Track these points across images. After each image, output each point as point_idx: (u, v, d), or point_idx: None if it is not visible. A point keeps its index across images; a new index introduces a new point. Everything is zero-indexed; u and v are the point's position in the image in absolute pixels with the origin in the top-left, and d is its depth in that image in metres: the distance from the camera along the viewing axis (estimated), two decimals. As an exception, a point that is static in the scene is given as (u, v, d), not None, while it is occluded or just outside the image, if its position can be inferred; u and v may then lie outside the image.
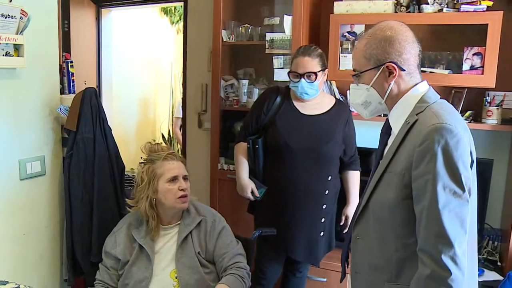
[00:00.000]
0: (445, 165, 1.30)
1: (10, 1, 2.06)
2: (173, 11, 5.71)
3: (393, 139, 1.50)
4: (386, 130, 1.58)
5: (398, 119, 1.49)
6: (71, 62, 2.72)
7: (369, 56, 1.48)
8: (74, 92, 2.68)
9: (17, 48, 2.12)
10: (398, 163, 1.41)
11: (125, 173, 2.63)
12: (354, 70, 1.57)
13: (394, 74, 1.46)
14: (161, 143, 2.26)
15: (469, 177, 1.34)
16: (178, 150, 4.82)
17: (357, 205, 1.67)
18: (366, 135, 2.77)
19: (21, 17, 2.08)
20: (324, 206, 2.51)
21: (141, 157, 2.21)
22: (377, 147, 1.65)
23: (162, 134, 5.63)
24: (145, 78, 5.57)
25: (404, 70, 1.47)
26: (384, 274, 1.47)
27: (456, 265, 1.29)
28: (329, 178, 2.51)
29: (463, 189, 1.31)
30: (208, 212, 2.18)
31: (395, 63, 1.45)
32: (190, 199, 2.17)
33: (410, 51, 1.47)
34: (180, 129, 4.92)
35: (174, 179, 2.08)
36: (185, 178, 2.12)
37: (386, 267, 1.46)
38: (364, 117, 1.62)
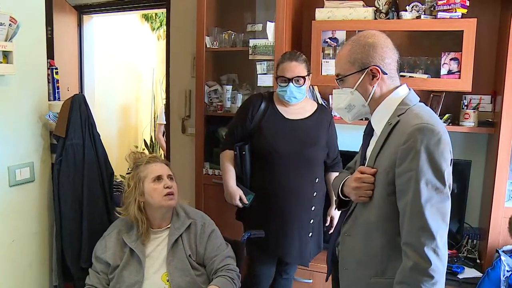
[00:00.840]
0: (427, 162, 1.38)
1: (-1, 8, 2.07)
2: (154, 18, 5.73)
3: (376, 139, 1.57)
4: (369, 132, 1.65)
5: (380, 121, 1.57)
6: (56, 68, 2.73)
7: (353, 60, 1.55)
8: (59, 98, 2.69)
9: (6, 55, 2.12)
10: (382, 161, 1.50)
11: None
12: (337, 76, 1.63)
13: (378, 77, 1.54)
14: (144, 150, 2.29)
15: (450, 173, 1.43)
16: (162, 156, 4.82)
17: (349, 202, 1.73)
18: (349, 139, 2.83)
19: (10, 24, 2.08)
20: (313, 208, 2.56)
21: (128, 168, 2.25)
22: (358, 150, 1.75)
23: (145, 140, 5.62)
24: (127, 84, 5.56)
25: (386, 74, 1.55)
26: (370, 269, 1.54)
27: (437, 256, 1.37)
28: (316, 181, 2.57)
29: (444, 185, 1.40)
30: (197, 215, 2.21)
31: (378, 66, 1.53)
32: (180, 202, 2.20)
33: (391, 56, 1.56)
34: (163, 135, 4.93)
35: (158, 178, 2.12)
36: (170, 177, 2.15)
37: (372, 263, 1.54)
38: (347, 121, 1.68)
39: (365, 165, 1.60)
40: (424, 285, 1.36)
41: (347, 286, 1.69)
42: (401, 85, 1.59)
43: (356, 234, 1.60)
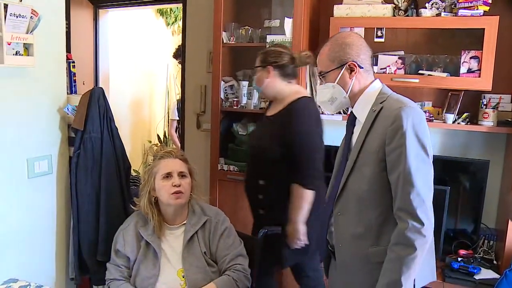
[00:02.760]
0: (414, 138, 1.59)
1: (21, 0, 2.07)
2: (169, 13, 5.73)
3: (361, 127, 1.75)
4: (351, 122, 1.83)
5: (363, 110, 1.76)
6: (73, 62, 2.73)
7: (333, 58, 1.76)
8: (76, 92, 2.70)
9: (27, 47, 2.13)
10: (370, 143, 1.68)
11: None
12: (320, 73, 1.83)
13: (355, 71, 1.75)
14: (158, 144, 2.28)
15: (431, 146, 1.64)
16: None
17: (333, 187, 1.86)
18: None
19: (31, 16, 2.09)
20: (261, 212, 2.51)
21: (146, 159, 2.25)
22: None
23: (158, 135, 5.64)
24: (141, 79, 5.57)
25: (362, 68, 1.76)
26: (367, 240, 1.71)
27: (427, 218, 1.59)
28: (260, 182, 2.45)
29: (428, 156, 1.63)
30: (213, 212, 2.20)
31: (355, 61, 1.75)
32: (197, 199, 2.20)
33: (365, 53, 1.78)
34: (176, 131, 4.93)
35: (168, 175, 2.11)
36: (181, 174, 2.14)
37: (368, 234, 1.71)
38: (330, 112, 1.91)
39: (352, 150, 1.76)
40: (417, 243, 1.56)
41: (343, 261, 1.81)
42: (375, 79, 1.80)
43: (348, 212, 1.75)
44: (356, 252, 1.74)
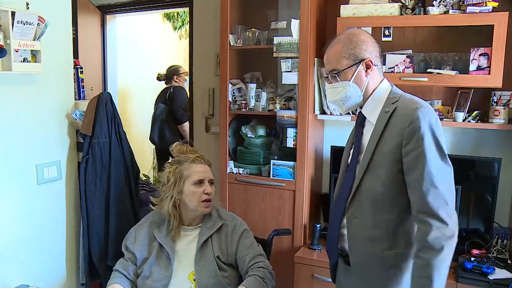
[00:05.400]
0: (432, 139, 1.58)
1: (28, 8, 2.08)
2: (176, 17, 5.75)
3: (372, 127, 1.72)
4: (361, 123, 1.79)
5: (373, 110, 1.74)
6: (81, 68, 2.75)
7: (348, 55, 1.71)
8: (84, 98, 2.71)
9: (34, 54, 2.15)
10: (386, 144, 1.65)
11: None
12: (332, 71, 1.76)
13: (371, 68, 1.72)
14: (183, 145, 2.23)
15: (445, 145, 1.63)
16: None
17: (341, 188, 1.83)
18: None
19: (38, 23, 2.11)
20: None
21: (170, 157, 2.22)
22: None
23: (167, 140, 5.64)
24: (149, 84, 5.58)
25: (376, 65, 1.74)
26: (383, 243, 1.69)
27: (451, 219, 1.56)
28: None
29: (446, 156, 1.60)
30: (229, 217, 2.20)
31: (371, 59, 1.72)
32: (214, 203, 2.19)
33: (377, 50, 1.76)
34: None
35: (200, 182, 2.10)
36: (210, 182, 2.15)
37: (384, 237, 1.69)
38: (341, 112, 1.87)
39: (363, 151, 1.73)
40: (444, 243, 1.53)
41: (358, 265, 1.76)
42: (383, 79, 1.78)
43: (363, 215, 1.71)
44: (372, 255, 1.71)
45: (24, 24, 2.04)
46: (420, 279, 1.57)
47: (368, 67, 1.71)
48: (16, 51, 2.05)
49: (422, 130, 1.57)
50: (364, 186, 1.70)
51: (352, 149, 1.81)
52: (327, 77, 1.79)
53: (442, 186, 1.56)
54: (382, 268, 1.70)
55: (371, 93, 1.74)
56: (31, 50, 2.12)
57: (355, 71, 1.71)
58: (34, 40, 2.11)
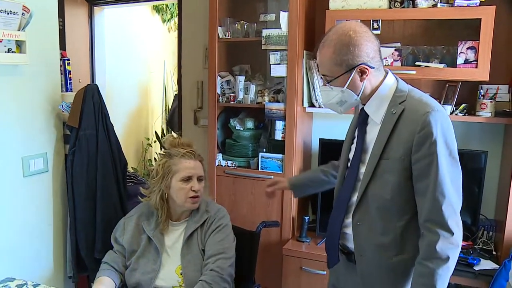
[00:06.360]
0: (445, 146, 1.51)
1: (12, -3, 2.06)
2: (165, 9, 5.71)
3: (377, 127, 1.63)
4: (363, 121, 1.69)
5: (378, 110, 1.63)
6: (68, 59, 2.72)
7: (340, 62, 1.57)
8: (71, 90, 2.68)
9: (19, 44, 2.12)
10: (394, 150, 1.56)
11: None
12: (324, 76, 1.65)
13: (366, 74, 1.58)
14: (175, 137, 2.18)
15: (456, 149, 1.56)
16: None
17: (341, 189, 1.76)
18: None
19: (23, 13, 2.08)
20: None
21: (161, 148, 2.20)
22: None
23: (156, 132, 5.62)
24: (137, 76, 5.56)
25: (373, 68, 1.59)
26: (391, 250, 1.63)
27: (458, 228, 1.52)
28: None
29: (457, 161, 1.55)
30: (215, 209, 2.17)
31: (366, 63, 1.57)
32: (205, 198, 2.18)
33: (374, 48, 1.59)
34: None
35: (188, 178, 2.07)
36: (199, 179, 2.11)
37: (391, 243, 1.63)
38: (338, 113, 1.73)
39: (368, 151, 1.65)
40: (449, 253, 1.50)
41: (364, 271, 1.71)
42: (387, 73, 1.65)
43: (370, 222, 1.65)
44: (380, 262, 1.66)
45: (8, 13, 2.01)
46: (422, 287, 1.55)
47: (363, 72, 1.58)
48: (0, 41, 2.02)
49: (434, 136, 1.49)
50: (371, 192, 1.63)
51: (355, 146, 1.73)
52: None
53: (452, 195, 1.51)
54: (390, 275, 1.66)
55: (375, 91, 1.63)
56: (16, 41, 2.09)
57: (348, 78, 1.58)
58: (18, 30, 2.08)
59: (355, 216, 1.68)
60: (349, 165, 1.75)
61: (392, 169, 1.57)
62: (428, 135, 1.49)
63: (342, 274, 1.86)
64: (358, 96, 1.62)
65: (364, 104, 1.66)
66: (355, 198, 1.69)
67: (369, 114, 1.66)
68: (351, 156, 1.74)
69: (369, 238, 1.66)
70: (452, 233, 1.50)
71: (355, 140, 1.74)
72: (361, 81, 1.59)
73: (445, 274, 1.52)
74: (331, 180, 2.07)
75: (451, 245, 1.51)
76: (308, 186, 2.16)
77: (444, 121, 1.52)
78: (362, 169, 1.66)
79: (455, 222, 1.51)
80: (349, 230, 1.73)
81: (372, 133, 1.65)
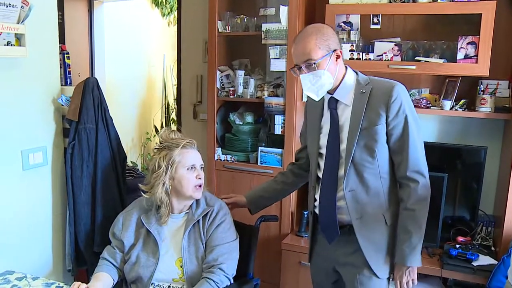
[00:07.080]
0: (410, 110, 1.85)
1: (11, -10, 2.05)
2: (164, 3, 5.69)
3: (348, 108, 1.91)
4: (334, 106, 1.95)
5: (346, 95, 1.92)
6: (67, 53, 2.71)
7: (323, 46, 1.84)
8: (71, 83, 2.67)
9: (18, 37, 2.10)
10: (370, 120, 1.85)
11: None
12: (308, 61, 1.84)
13: (340, 57, 1.89)
14: (171, 130, 2.19)
15: None
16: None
17: (329, 166, 1.96)
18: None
19: (22, 6, 2.07)
20: None
21: (156, 143, 2.20)
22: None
23: (155, 126, 5.62)
24: (137, 70, 5.55)
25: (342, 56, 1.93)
26: (381, 206, 1.92)
27: (427, 173, 1.88)
28: None
29: (418, 121, 1.89)
30: (216, 203, 2.17)
31: (340, 49, 1.90)
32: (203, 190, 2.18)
33: (340, 43, 1.94)
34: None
35: (192, 167, 2.08)
36: (201, 167, 2.13)
37: (381, 201, 1.92)
38: (315, 99, 1.94)
39: (343, 129, 1.91)
40: (428, 194, 1.88)
41: (363, 234, 1.92)
42: (347, 68, 1.95)
43: (360, 186, 1.91)
44: (374, 219, 1.92)
45: (6, 6, 1.99)
46: (414, 228, 1.85)
47: (338, 57, 1.87)
48: None
49: (403, 102, 1.82)
50: (357, 161, 1.89)
51: (328, 129, 1.96)
52: (301, 67, 1.87)
53: (421, 149, 1.86)
54: (382, 227, 1.93)
55: (341, 80, 1.91)
56: (15, 34, 2.08)
57: (329, 60, 1.85)
58: (18, 23, 2.07)
59: (347, 186, 1.91)
60: (323, 151, 1.98)
61: (372, 136, 1.85)
62: (400, 103, 1.82)
63: (324, 253, 2.11)
64: (333, 78, 1.87)
65: (332, 94, 1.92)
66: (342, 171, 1.92)
67: (339, 99, 1.93)
68: (323, 142, 1.98)
69: (362, 201, 1.91)
70: (426, 178, 1.86)
71: (322, 130, 1.99)
72: (336, 65, 1.87)
73: (425, 212, 1.87)
74: (283, 187, 2.33)
75: (425, 187, 1.86)
76: (263, 198, 2.33)
77: (406, 92, 1.86)
78: (343, 146, 1.90)
79: (425, 167, 1.87)
80: (341, 203, 1.94)
81: (345, 114, 1.92)
